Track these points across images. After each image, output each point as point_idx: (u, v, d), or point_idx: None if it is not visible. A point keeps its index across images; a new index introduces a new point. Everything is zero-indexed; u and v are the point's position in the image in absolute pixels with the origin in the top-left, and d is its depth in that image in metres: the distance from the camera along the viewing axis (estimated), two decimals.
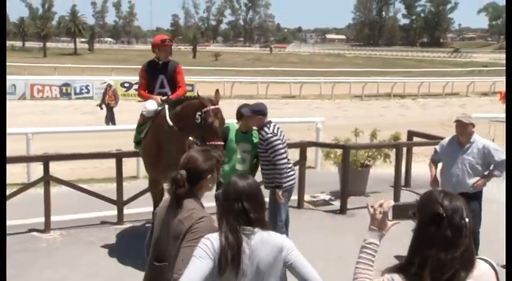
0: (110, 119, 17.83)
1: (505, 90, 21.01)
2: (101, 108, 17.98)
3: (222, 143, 5.85)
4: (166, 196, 3.58)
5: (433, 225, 2.37)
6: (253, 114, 6.21)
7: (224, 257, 2.78)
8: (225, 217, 2.89)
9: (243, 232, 2.85)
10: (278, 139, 6.11)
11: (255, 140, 6.33)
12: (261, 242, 2.85)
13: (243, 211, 2.87)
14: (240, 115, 6.34)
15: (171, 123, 6.28)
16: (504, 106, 19.46)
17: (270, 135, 6.10)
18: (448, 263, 2.34)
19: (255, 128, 6.30)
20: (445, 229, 2.35)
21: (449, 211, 2.38)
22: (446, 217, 2.37)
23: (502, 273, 2.65)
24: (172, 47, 7.40)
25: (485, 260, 2.53)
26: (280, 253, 2.87)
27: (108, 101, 17.99)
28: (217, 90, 6.25)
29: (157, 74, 7.12)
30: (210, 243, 2.83)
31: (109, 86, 18.74)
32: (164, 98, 6.92)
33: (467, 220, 2.42)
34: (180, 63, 7.57)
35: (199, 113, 5.86)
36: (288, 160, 6.39)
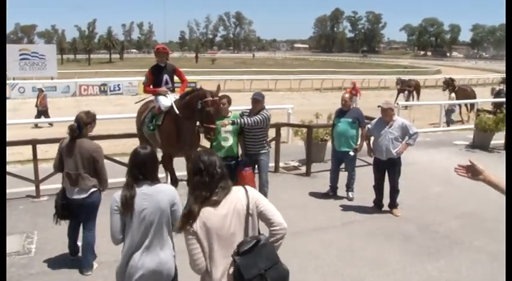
0: (43, 115, 15.91)
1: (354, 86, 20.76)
2: (38, 109, 16.30)
3: (214, 126, 5.76)
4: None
5: (198, 175, 2.58)
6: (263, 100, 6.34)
7: (123, 204, 3.00)
8: (128, 175, 3.13)
9: (140, 185, 3.04)
10: None
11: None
12: (156, 191, 3.04)
13: (140, 172, 3.08)
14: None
15: (177, 111, 6.13)
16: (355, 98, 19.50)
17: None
18: (207, 197, 2.53)
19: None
20: (205, 176, 2.56)
21: (207, 164, 2.58)
22: (204, 169, 2.57)
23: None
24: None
25: (243, 187, 2.67)
26: (172, 200, 3.06)
27: (38, 104, 16.37)
28: (218, 86, 6.09)
29: (162, 75, 6.82)
30: (114, 199, 3.06)
31: (41, 91, 16.80)
32: (169, 86, 6.79)
33: (219, 170, 2.59)
34: (177, 66, 7.31)
35: (200, 101, 5.74)
36: None
